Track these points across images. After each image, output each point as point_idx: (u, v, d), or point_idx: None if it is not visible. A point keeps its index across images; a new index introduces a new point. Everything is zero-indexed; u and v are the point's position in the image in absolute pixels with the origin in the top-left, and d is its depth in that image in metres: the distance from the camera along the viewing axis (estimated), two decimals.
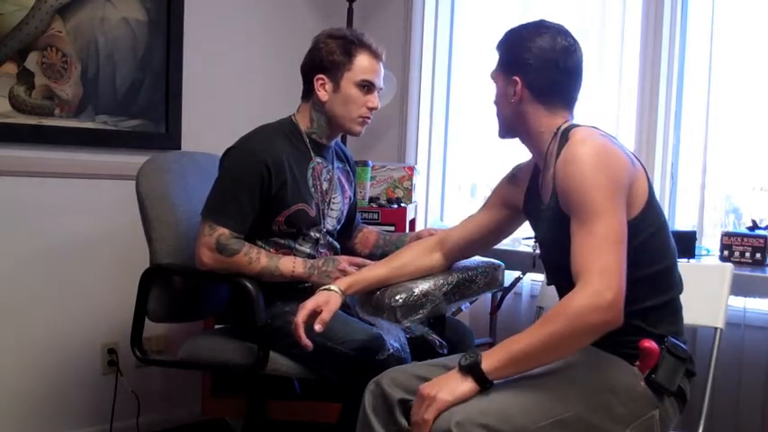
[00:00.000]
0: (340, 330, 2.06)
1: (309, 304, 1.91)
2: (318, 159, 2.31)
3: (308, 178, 2.27)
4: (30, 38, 2.71)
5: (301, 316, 1.90)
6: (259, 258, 2.16)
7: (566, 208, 1.65)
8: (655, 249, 1.71)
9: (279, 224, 2.23)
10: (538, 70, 1.75)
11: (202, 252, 2.16)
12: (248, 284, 2.12)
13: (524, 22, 1.85)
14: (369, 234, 2.55)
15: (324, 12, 3.48)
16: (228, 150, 2.23)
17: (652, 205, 1.71)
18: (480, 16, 3.35)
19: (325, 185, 2.32)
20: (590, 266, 1.54)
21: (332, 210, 2.34)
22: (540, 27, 1.78)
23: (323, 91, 2.24)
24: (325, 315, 1.90)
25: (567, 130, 1.73)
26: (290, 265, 2.18)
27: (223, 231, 2.15)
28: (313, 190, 2.28)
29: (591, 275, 1.53)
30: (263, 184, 2.17)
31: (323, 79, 2.24)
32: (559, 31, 1.78)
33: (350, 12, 3.27)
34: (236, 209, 2.16)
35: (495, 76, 1.84)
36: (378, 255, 2.45)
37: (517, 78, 1.76)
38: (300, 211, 2.23)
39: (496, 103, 1.85)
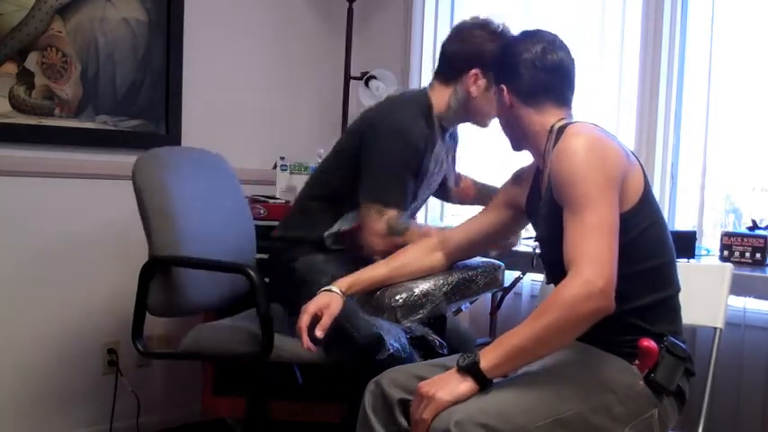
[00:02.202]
0: (359, 318, 2.05)
1: (311, 308, 1.91)
2: (440, 143, 2.32)
3: (431, 162, 2.28)
4: (30, 38, 2.71)
5: (304, 321, 1.90)
6: (426, 228, 2.18)
7: (559, 199, 1.66)
8: (649, 245, 1.71)
9: None
10: (519, 74, 1.79)
11: (373, 241, 2.15)
12: (251, 273, 2.09)
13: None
14: (466, 186, 2.62)
15: (324, 12, 3.48)
16: (378, 128, 2.19)
17: (648, 201, 1.72)
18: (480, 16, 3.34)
19: (437, 167, 2.33)
20: (581, 255, 1.55)
21: (429, 188, 2.37)
22: (525, 37, 1.83)
23: (475, 86, 2.24)
24: (326, 320, 1.90)
25: (563, 127, 1.74)
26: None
27: (392, 214, 2.14)
28: (431, 170, 2.30)
29: (582, 264, 1.54)
30: (416, 165, 2.18)
31: (478, 75, 2.23)
32: (542, 36, 1.81)
33: (350, 12, 3.27)
34: (400, 189, 2.16)
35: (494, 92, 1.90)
36: (481, 201, 2.52)
37: (503, 86, 1.82)
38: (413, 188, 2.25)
39: (497, 116, 1.91)
